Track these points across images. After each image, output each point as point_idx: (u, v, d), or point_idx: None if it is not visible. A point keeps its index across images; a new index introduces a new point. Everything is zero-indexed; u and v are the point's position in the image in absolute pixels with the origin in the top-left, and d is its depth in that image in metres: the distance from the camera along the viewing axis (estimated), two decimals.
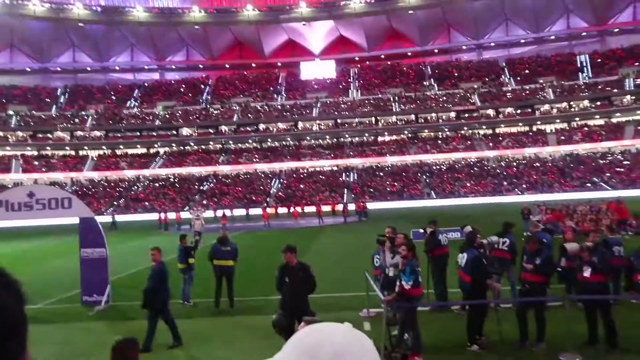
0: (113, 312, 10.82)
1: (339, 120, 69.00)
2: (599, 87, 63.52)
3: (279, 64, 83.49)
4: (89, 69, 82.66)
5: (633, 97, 60.92)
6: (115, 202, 58.61)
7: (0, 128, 66.98)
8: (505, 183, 56.32)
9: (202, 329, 9.19)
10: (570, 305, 7.54)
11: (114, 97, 76.93)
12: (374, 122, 68.53)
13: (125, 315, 10.45)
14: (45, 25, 73.02)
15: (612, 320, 6.86)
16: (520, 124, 66.40)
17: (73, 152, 69.41)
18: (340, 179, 61.75)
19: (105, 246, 11.48)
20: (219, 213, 40.88)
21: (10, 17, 68.79)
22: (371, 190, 57.50)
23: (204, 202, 56.57)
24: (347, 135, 69.61)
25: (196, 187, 62.04)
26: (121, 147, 70.61)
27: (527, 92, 66.88)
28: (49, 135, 68.26)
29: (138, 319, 9.47)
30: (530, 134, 65.38)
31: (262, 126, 69.96)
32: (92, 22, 73.82)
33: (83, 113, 71.40)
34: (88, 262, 11.40)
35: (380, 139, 69.38)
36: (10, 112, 69.12)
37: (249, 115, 70.45)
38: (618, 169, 54.66)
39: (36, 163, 66.02)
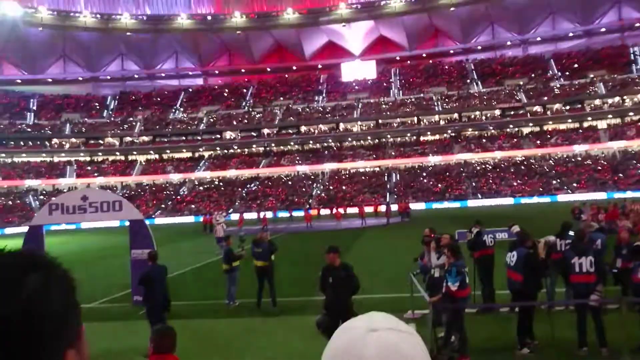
0: None
1: (380, 121, 68.53)
2: None
3: (320, 66, 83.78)
4: (136, 76, 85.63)
5: None
6: (162, 205, 60.38)
7: (55, 135, 70.32)
8: (554, 182, 54.37)
9: (249, 327, 9.33)
10: (627, 308, 7.17)
11: (160, 103, 79.32)
12: (416, 121, 67.65)
13: (175, 314, 10.69)
14: (95, 36, 76.19)
15: None
16: (570, 120, 63.96)
17: (122, 157, 72.03)
18: (382, 179, 61.30)
19: (154, 247, 11.79)
20: (261, 215, 41.53)
21: (63, 29, 72.11)
22: (414, 190, 56.79)
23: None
24: (388, 136, 69.00)
25: (239, 189, 63.08)
26: (167, 151, 72.64)
27: (576, 87, 64.31)
28: (100, 142, 71.14)
29: (184, 318, 9.71)
30: (580, 130, 62.84)
31: (303, 128, 70.34)
32: (139, 32, 76.52)
33: (131, 119, 73.96)
34: (138, 262, 11.74)
35: (422, 138, 68.38)
36: (64, 120, 72.51)
37: (290, 117, 71.04)
38: None
39: (89, 168, 68.83)
